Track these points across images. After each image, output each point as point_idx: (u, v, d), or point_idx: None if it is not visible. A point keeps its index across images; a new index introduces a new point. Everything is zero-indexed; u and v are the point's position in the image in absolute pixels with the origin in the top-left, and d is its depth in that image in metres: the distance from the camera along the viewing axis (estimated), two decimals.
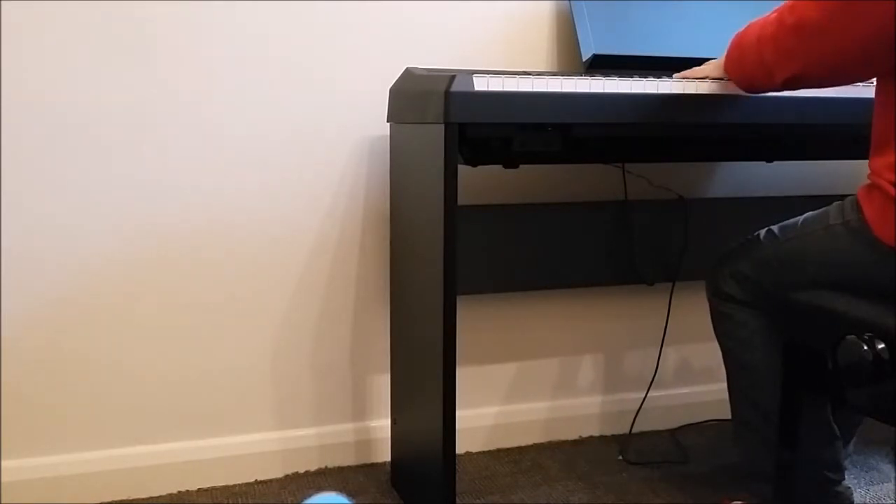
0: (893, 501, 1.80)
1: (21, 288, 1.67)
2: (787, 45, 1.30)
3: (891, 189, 1.27)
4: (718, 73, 1.52)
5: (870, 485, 1.86)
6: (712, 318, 1.62)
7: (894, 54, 1.23)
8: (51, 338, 1.70)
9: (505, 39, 1.91)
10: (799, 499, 1.50)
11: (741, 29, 1.43)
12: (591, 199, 2.00)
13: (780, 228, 1.51)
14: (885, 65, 1.26)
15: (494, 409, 2.05)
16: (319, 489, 1.81)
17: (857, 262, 1.36)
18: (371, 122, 1.83)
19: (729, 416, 1.65)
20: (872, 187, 1.33)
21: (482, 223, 1.87)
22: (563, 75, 1.50)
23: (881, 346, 1.20)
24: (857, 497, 1.71)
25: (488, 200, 1.93)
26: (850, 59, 1.26)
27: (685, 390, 2.21)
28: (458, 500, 1.64)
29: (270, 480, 1.86)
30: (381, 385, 1.95)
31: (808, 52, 1.29)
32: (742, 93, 1.52)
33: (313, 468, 1.91)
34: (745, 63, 1.41)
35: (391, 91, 1.68)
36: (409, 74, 1.62)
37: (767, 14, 1.35)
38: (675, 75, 1.59)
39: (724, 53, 1.48)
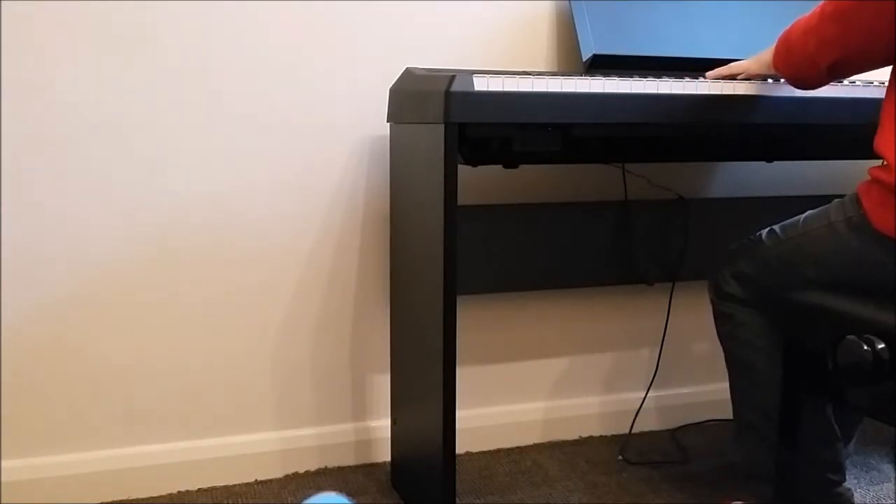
0: (893, 501, 1.80)
1: (21, 288, 1.67)
2: (827, 32, 1.34)
3: (890, 179, 1.28)
4: (761, 69, 1.54)
5: (870, 485, 1.86)
6: (714, 318, 1.62)
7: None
8: (50, 338, 1.70)
9: (505, 39, 1.91)
10: (799, 499, 1.50)
11: (788, 26, 1.45)
12: (591, 199, 2.00)
13: (782, 228, 1.51)
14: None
15: (494, 409, 2.05)
16: (319, 489, 1.81)
17: (860, 258, 1.36)
18: (371, 122, 1.83)
19: (729, 416, 1.65)
20: (872, 182, 1.34)
21: (482, 223, 1.87)
22: (563, 75, 1.50)
23: (881, 346, 1.21)
24: (857, 497, 1.71)
25: (488, 200, 1.93)
26: (882, 43, 1.30)
27: (685, 390, 2.21)
28: (458, 500, 1.64)
29: (270, 480, 1.86)
30: (381, 385, 1.95)
31: (845, 37, 1.32)
32: (742, 93, 1.53)
33: (313, 468, 1.91)
34: (793, 57, 1.43)
35: (391, 91, 1.68)
36: (409, 74, 1.61)
37: (813, 9, 1.39)
38: (708, 74, 1.59)
39: (773, 50, 1.49)
